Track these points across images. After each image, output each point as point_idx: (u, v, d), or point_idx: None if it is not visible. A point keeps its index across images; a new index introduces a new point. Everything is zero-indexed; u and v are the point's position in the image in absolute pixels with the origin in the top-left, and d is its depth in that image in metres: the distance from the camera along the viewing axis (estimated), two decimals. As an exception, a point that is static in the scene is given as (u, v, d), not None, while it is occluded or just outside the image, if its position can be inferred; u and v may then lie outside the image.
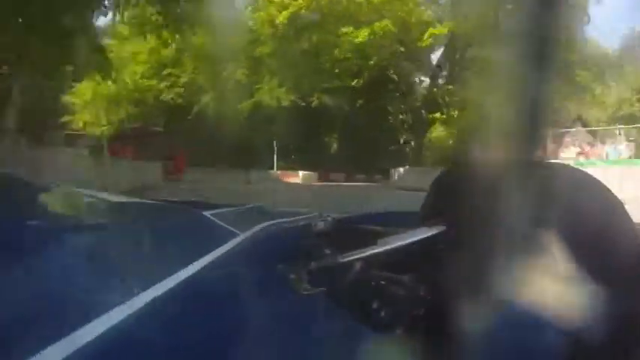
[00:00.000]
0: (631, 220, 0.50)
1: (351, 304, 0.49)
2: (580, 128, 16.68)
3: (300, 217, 0.96)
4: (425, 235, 0.55)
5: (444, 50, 23.92)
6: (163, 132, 19.93)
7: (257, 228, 0.71)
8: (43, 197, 0.67)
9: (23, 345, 0.25)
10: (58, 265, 0.38)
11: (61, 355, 0.24)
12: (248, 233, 0.66)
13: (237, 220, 0.81)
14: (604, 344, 0.42)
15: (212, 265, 0.48)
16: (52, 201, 0.67)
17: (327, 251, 0.66)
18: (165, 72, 19.86)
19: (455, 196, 0.58)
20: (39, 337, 0.26)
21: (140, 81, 18.97)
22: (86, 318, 0.28)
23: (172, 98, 19.76)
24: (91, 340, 0.26)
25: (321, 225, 0.86)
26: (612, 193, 0.52)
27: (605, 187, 0.52)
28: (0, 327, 0.26)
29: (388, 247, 0.56)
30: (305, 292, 0.51)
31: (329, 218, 0.90)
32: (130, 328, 0.30)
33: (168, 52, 17.79)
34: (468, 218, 0.51)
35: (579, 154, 14.77)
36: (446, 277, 0.51)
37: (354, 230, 0.82)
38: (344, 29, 20.67)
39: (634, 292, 0.45)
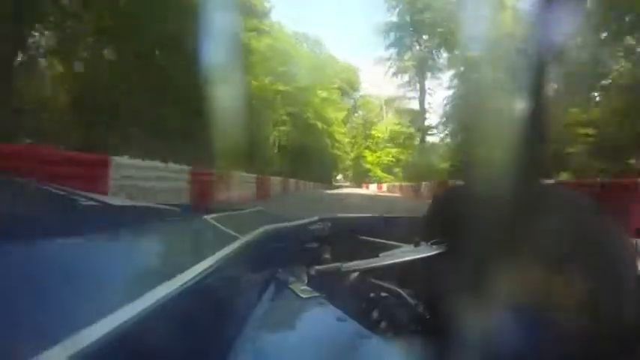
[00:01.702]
0: (621, 230, 0.51)
1: (351, 311, 0.49)
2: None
3: (301, 221, 0.96)
4: (427, 254, 0.56)
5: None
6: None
7: (257, 232, 0.71)
8: (44, 199, 0.67)
9: (25, 346, 0.25)
10: (59, 267, 0.38)
11: (64, 356, 0.24)
12: (248, 237, 0.66)
13: (237, 223, 0.81)
14: (603, 345, 0.42)
15: (212, 269, 0.48)
16: (53, 203, 0.67)
17: (327, 256, 0.66)
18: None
19: (455, 211, 0.59)
20: (40, 339, 0.26)
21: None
22: (86, 321, 0.28)
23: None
24: (91, 342, 0.26)
25: (321, 229, 0.86)
26: (602, 209, 0.54)
27: (595, 202, 0.54)
28: (3, 328, 0.26)
29: (389, 261, 0.56)
30: (305, 296, 0.51)
31: (329, 223, 0.90)
32: (130, 332, 0.30)
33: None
34: (468, 232, 0.51)
35: None
36: (446, 291, 0.51)
37: (355, 237, 0.82)
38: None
39: (627, 295, 0.46)
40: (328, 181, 35.85)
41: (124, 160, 5.49)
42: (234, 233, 0.68)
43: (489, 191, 0.51)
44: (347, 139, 38.56)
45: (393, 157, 39.02)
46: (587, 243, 0.49)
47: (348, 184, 45.39)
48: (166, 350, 0.32)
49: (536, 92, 0.57)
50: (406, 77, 36.09)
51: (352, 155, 41.95)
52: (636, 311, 0.46)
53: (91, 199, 0.75)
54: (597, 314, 0.45)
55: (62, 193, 0.74)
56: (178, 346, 0.33)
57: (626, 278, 0.47)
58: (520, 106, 0.58)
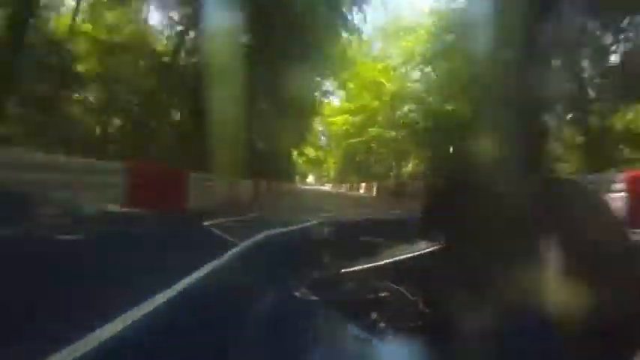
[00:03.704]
0: (622, 224, 0.51)
1: (352, 313, 0.49)
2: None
3: (302, 225, 0.97)
4: (424, 251, 0.56)
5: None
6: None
7: (257, 237, 0.72)
8: (46, 208, 0.67)
9: (29, 349, 0.25)
10: (62, 273, 0.39)
11: (69, 358, 0.25)
12: (248, 242, 0.67)
13: (236, 229, 0.81)
14: (601, 343, 0.42)
15: (215, 273, 0.48)
16: (55, 211, 0.67)
17: (327, 260, 0.66)
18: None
19: (452, 205, 0.59)
20: (41, 344, 0.26)
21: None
22: (90, 325, 0.29)
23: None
24: (97, 345, 0.27)
25: (322, 232, 0.87)
26: (604, 200, 0.53)
27: (597, 193, 0.54)
28: (9, 330, 0.27)
29: (388, 260, 0.57)
30: (306, 299, 0.51)
31: (330, 226, 0.90)
32: (133, 335, 0.30)
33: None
34: (466, 226, 0.51)
35: None
36: (446, 288, 0.51)
37: (355, 239, 0.83)
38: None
39: (628, 292, 0.46)
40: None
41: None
42: (232, 239, 0.69)
43: (487, 184, 0.51)
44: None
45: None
46: (588, 240, 0.49)
47: (328, 186, 23.36)
48: (169, 352, 0.32)
49: (538, 88, 0.57)
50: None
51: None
52: (638, 310, 0.45)
53: (93, 206, 0.75)
54: (599, 311, 0.45)
55: (64, 201, 0.75)
56: (181, 349, 0.34)
57: (628, 275, 0.47)
58: (521, 100, 0.59)
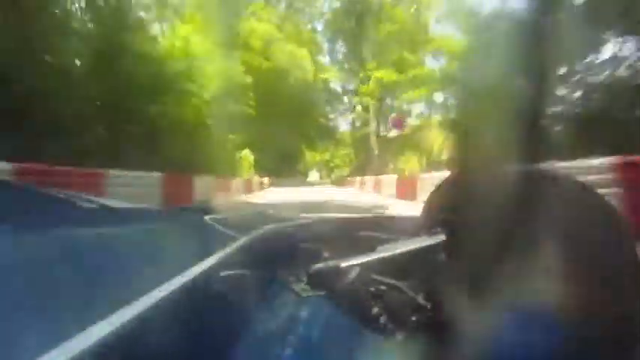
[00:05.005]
0: (624, 222, 0.51)
1: (351, 308, 0.49)
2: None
3: (301, 221, 0.97)
4: (425, 244, 0.56)
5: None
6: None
7: (257, 232, 0.72)
8: (43, 202, 0.67)
9: (27, 347, 0.25)
10: (59, 269, 0.38)
11: (65, 356, 0.24)
12: (248, 237, 0.66)
13: (236, 224, 0.81)
14: (601, 344, 0.42)
15: (212, 268, 0.48)
16: (52, 206, 0.67)
17: (327, 255, 0.66)
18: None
19: (457, 202, 0.59)
20: (42, 340, 0.26)
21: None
22: (87, 322, 0.29)
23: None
24: (92, 344, 0.26)
25: (321, 229, 0.87)
26: (605, 198, 0.53)
27: (598, 192, 0.53)
28: (6, 329, 0.26)
29: (388, 253, 0.56)
30: (305, 295, 0.51)
31: (329, 223, 0.90)
32: (131, 332, 0.30)
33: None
34: (470, 223, 0.51)
35: None
36: (446, 283, 0.51)
37: (354, 235, 0.83)
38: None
39: (628, 291, 0.46)
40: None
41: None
42: (232, 234, 0.69)
43: (490, 179, 0.51)
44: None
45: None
46: (587, 238, 0.49)
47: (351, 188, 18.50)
48: (166, 350, 0.32)
49: (535, 76, 0.57)
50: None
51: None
52: (637, 309, 0.45)
53: (90, 201, 0.75)
54: (598, 311, 0.44)
55: (61, 196, 0.74)
56: (178, 346, 0.33)
57: (627, 273, 0.47)
58: (519, 91, 0.58)
